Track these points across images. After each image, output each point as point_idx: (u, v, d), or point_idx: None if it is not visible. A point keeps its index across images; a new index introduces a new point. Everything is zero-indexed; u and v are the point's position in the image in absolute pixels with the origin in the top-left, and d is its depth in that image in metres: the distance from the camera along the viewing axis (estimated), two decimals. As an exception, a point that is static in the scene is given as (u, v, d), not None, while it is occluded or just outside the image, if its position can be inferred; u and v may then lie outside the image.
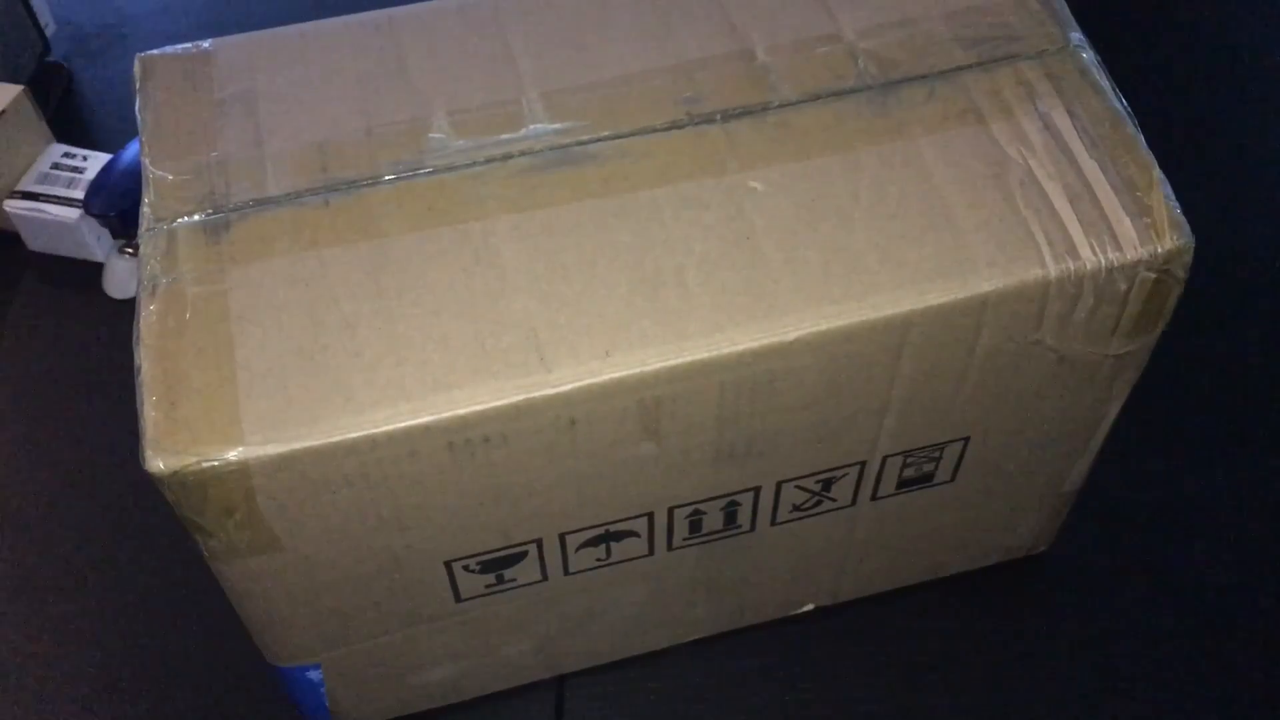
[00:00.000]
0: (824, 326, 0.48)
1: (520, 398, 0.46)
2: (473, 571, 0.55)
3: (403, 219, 0.50)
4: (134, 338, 0.47)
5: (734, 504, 0.56)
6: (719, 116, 0.53)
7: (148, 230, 0.49)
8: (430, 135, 0.52)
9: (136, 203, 0.51)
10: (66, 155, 0.85)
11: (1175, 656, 0.68)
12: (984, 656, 0.68)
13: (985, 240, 0.49)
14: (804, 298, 0.48)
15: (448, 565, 0.54)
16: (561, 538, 0.54)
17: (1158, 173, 0.50)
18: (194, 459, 0.44)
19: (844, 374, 0.50)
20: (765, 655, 0.68)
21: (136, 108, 0.54)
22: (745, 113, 0.53)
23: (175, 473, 0.44)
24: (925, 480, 0.59)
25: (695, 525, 0.57)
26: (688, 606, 0.64)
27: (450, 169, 0.51)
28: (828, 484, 0.57)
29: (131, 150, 0.84)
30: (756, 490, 0.56)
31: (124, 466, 0.63)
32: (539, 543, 0.54)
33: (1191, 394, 0.78)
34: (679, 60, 0.55)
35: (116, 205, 0.81)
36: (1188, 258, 0.50)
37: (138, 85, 0.54)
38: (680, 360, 0.47)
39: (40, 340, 0.82)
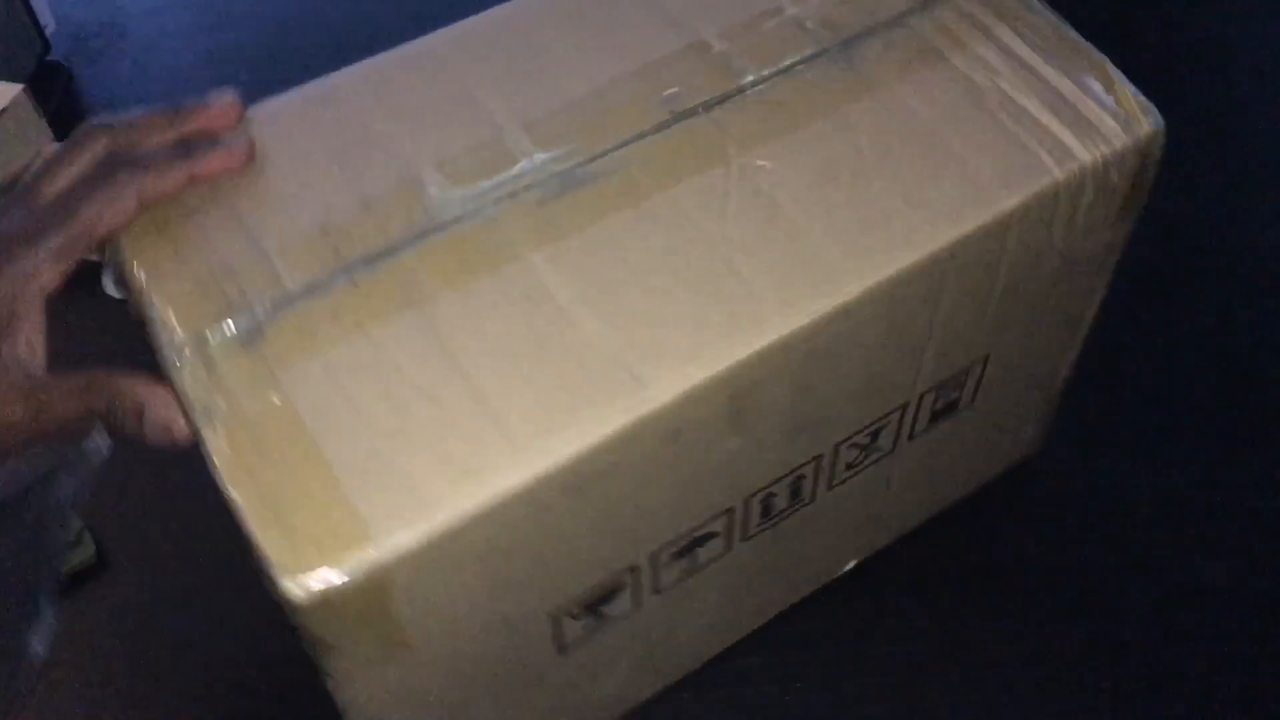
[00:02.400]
0: (880, 277, 0.49)
1: (627, 419, 0.45)
2: (574, 617, 0.53)
3: (438, 279, 0.48)
4: (212, 472, 0.43)
5: (800, 478, 0.57)
6: (700, 109, 0.53)
7: (177, 363, 0.46)
8: (429, 192, 0.50)
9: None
10: (68, 154, 0.81)
11: (1175, 657, 0.68)
12: (984, 657, 0.68)
13: (991, 163, 0.52)
14: (852, 255, 0.49)
15: (552, 616, 0.52)
16: (652, 557, 0.54)
17: (1113, 68, 0.54)
18: (331, 570, 0.41)
19: (898, 320, 0.52)
20: (765, 653, 0.68)
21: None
22: (724, 98, 0.53)
23: (320, 593, 0.41)
24: (951, 409, 0.61)
25: (766, 509, 0.57)
26: (750, 596, 0.64)
27: (461, 220, 0.50)
28: (875, 434, 0.58)
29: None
30: (818, 459, 0.56)
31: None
32: (633, 569, 0.53)
33: (1191, 393, 0.78)
34: (638, 65, 0.55)
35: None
36: (1162, 138, 0.54)
37: None
38: (763, 343, 0.47)
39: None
